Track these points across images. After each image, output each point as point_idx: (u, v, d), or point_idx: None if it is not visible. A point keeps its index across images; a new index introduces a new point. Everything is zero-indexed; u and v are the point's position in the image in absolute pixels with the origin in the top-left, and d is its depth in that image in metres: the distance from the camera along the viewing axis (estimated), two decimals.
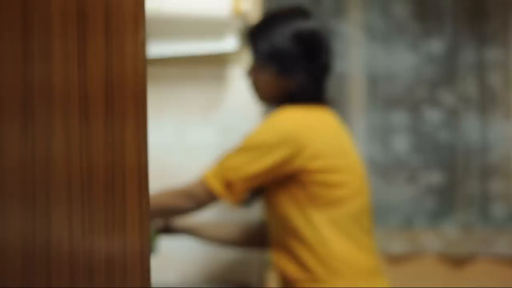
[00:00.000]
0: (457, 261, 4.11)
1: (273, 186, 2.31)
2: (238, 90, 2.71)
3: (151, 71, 2.74)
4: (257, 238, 2.60)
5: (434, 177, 4.09)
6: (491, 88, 4.09)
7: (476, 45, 4.06)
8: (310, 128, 2.31)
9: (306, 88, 2.37)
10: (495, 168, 4.11)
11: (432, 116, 4.08)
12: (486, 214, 4.11)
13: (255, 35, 2.39)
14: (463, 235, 4.08)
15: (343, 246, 2.32)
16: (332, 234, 2.30)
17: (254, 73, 2.40)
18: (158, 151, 2.80)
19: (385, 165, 4.08)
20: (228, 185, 2.27)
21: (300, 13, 2.42)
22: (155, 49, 2.67)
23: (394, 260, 4.11)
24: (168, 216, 2.45)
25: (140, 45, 1.09)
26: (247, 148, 2.28)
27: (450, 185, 4.10)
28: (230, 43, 2.57)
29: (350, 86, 4.10)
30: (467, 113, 4.06)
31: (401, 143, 4.07)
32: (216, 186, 2.28)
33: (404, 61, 4.06)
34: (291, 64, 2.36)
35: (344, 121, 3.98)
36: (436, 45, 4.06)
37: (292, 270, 2.33)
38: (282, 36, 2.35)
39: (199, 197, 2.31)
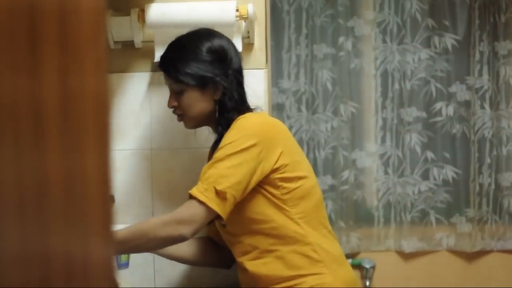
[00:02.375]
0: (470, 256, 4.13)
1: (247, 193, 2.35)
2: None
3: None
4: (212, 254, 2.69)
5: (448, 172, 4.11)
6: (504, 80, 4.12)
7: (489, 38, 4.08)
8: (273, 126, 2.40)
9: (233, 91, 2.47)
10: (508, 162, 4.12)
11: (446, 110, 4.10)
12: (499, 208, 4.12)
13: (171, 63, 2.47)
14: (476, 229, 4.09)
15: (319, 237, 2.43)
16: (307, 227, 2.40)
17: (181, 99, 2.47)
18: (166, 154, 2.89)
19: (399, 161, 4.10)
20: (220, 195, 2.26)
21: (205, 31, 2.53)
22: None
23: (409, 256, 4.13)
24: (163, 247, 2.49)
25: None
26: (225, 157, 2.30)
27: (464, 179, 4.11)
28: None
29: (364, 83, 4.14)
30: (480, 106, 4.08)
31: (415, 139, 4.09)
32: (209, 199, 2.26)
33: (418, 56, 4.08)
34: (212, 74, 2.44)
35: (359, 116, 4.07)
36: (449, 40, 4.08)
37: (275, 271, 2.40)
38: (196, 54, 2.45)
39: (193, 219, 2.27)
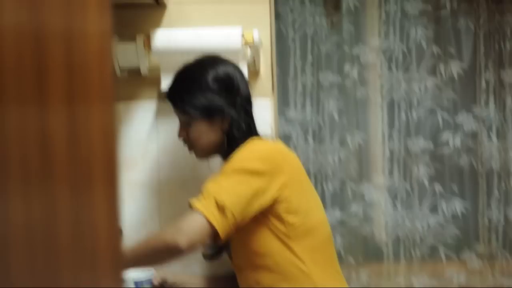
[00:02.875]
0: None
1: (252, 224, 2.29)
2: None
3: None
4: None
5: (457, 205, 4.05)
6: (511, 110, 4.05)
7: (494, 66, 4.04)
8: (282, 154, 2.35)
9: (241, 121, 2.42)
10: None
11: (453, 141, 4.05)
12: (509, 243, 4.04)
13: (177, 94, 2.45)
14: (486, 265, 4.01)
15: (323, 276, 2.37)
16: (312, 265, 2.33)
17: (189, 130, 2.44)
18: (174, 185, 2.84)
19: (407, 194, 4.05)
20: (220, 209, 2.18)
21: (210, 59, 2.50)
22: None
23: None
24: (162, 260, 2.32)
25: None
26: (229, 172, 2.25)
27: (473, 213, 4.03)
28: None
29: (371, 113, 4.09)
30: (488, 137, 4.02)
31: (422, 171, 4.04)
32: (208, 211, 2.18)
33: (424, 85, 4.04)
34: (218, 105, 2.40)
35: (366, 147, 4.02)
36: (455, 68, 4.04)
37: None
38: (201, 85, 2.41)
39: (190, 229, 2.17)
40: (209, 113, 2.41)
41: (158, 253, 2.24)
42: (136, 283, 2.46)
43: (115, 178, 1.01)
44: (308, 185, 2.44)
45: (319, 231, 2.38)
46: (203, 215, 2.18)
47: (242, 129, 2.42)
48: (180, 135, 2.50)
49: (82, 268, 0.98)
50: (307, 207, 2.36)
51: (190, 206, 2.23)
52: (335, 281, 2.40)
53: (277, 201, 2.29)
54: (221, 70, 2.45)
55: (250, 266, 2.37)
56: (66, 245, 0.96)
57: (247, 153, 2.32)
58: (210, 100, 2.40)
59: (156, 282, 2.52)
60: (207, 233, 2.19)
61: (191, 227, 2.17)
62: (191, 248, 2.20)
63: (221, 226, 2.18)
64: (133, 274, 2.43)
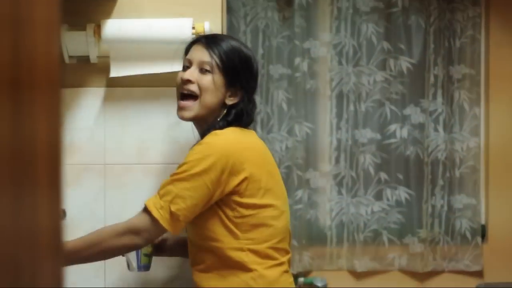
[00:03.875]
0: (422, 276, 4.15)
1: (205, 210, 2.36)
2: None
3: (116, 90, 2.82)
4: None
5: (401, 193, 4.14)
6: (458, 104, 4.16)
7: (443, 62, 4.13)
8: (245, 150, 2.37)
9: (248, 107, 2.47)
10: (461, 184, 4.16)
11: (400, 132, 4.14)
12: (451, 229, 4.16)
13: (220, 41, 2.46)
14: (428, 250, 4.11)
15: (264, 267, 2.40)
16: (253, 255, 2.39)
17: (204, 78, 2.42)
18: (119, 169, 2.88)
19: (353, 182, 4.13)
20: (174, 217, 2.29)
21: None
22: (120, 69, 2.75)
23: (361, 275, 4.14)
24: (117, 255, 2.49)
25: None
26: (186, 176, 2.30)
27: (417, 201, 4.14)
28: None
29: (319, 104, 4.16)
30: (434, 129, 4.13)
31: (368, 160, 4.12)
32: (162, 218, 2.30)
33: (373, 79, 4.11)
34: (244, 77, 2.45)
35: (313, 137, 4.09)
36: (404, 64, 4.12)
37: None
38: (244, 51, 2.46)
39: (147, 231, 2.33)
40: (234, 77, 2.43)
41: (116, 252, 2.44)
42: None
43: (59, 161, 1.00)
44: (271, 179, 2.44)
45: (269, 225, 2.41)
46: (159, 221, 2.30)
47: (241, 113, 2.45)
48: (188, 75, 2.43)
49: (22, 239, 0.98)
50: (261, 202, 2.38)
51: (147, 208, 2.32)
52: (274, 273, 2.42)
53: (231, 193, 2.35)
54: (255, 59, 2.52)
55: (198, 245, 2.44)
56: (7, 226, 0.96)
57: (206, 150, 2.32)
58: (243, 69, 2.45)
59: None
60: (162, 233, 2.39)
61: (149, 230, 2.33)
62: (147, 244, 2.45)
63: (175, 230, 2.33)
64: None
